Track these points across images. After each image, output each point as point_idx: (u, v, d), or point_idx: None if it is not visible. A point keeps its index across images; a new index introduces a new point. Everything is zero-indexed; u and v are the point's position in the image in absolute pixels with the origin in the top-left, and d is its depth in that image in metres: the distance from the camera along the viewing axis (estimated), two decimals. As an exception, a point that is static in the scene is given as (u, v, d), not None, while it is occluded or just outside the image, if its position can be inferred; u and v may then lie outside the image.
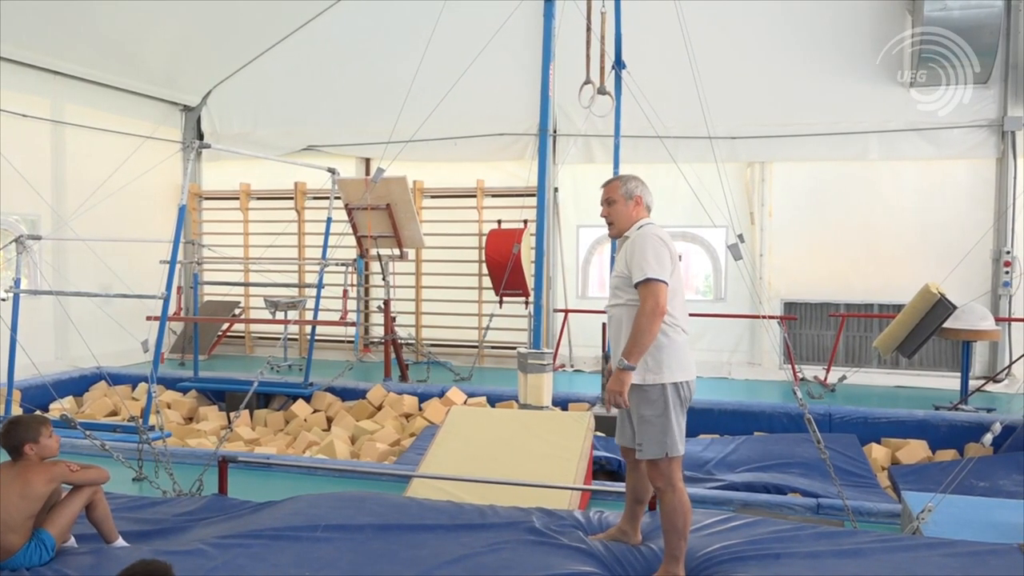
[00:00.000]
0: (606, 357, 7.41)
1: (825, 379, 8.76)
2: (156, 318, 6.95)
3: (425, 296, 10.93)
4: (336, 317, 9.33)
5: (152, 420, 6.71)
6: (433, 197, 10.89)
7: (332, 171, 8.85)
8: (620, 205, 3.64)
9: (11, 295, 7.13)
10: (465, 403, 7.66)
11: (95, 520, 3.71)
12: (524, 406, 5.68)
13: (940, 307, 7.44)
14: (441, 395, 7.90)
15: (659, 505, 3.48)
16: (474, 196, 10.60)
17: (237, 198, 11.47)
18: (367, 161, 11.10)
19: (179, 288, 10.74)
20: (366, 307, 11.04)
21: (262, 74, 11.39)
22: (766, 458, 6.20)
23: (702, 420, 7.24)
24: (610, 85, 7.58)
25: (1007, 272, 9.02)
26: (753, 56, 9.64)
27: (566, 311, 10.08)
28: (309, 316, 9.46)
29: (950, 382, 8.58)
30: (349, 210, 8.84)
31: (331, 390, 8.30)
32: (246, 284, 10.86)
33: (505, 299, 9.51)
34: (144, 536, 3.94)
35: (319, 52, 11.06)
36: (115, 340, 8.58)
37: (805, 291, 9.75)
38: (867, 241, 9.56)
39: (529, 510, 4.06)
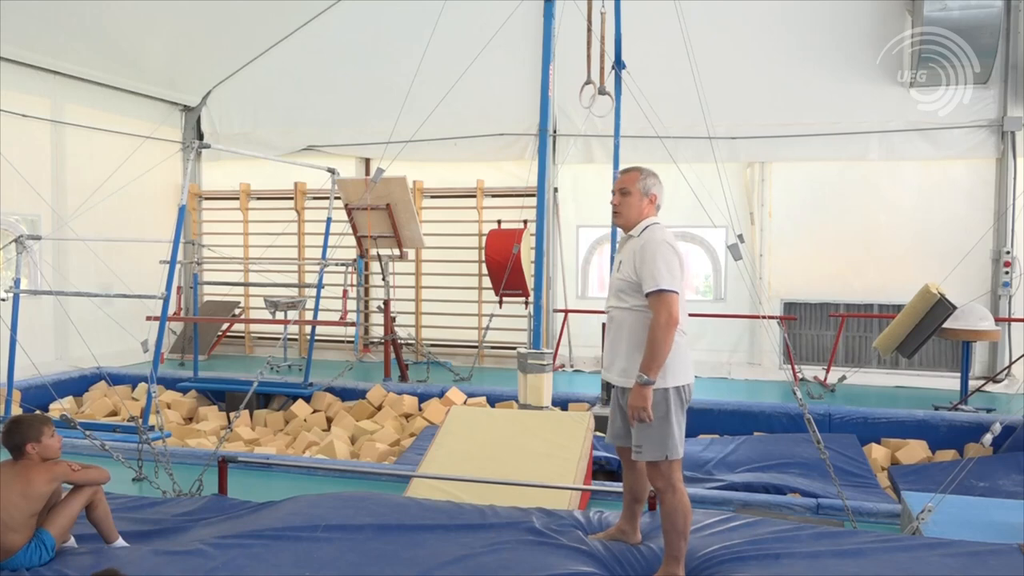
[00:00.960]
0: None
1: (825, 379, 8.76)
2: (156, 318, 6.95)
3: (425, 296, 10.92)
4: (336, 317, 9.32)
5: (152, 420, 6.71)
6: (433, 197, 10.89)
7: (332, 171, 8.84)
8: (634, 199, 3.55)
9: (11, 295, 7.12)
10: (465, 403, 7.66)
11: (95, 520, 3.71)
12: (524, 406, 5.68)
13: (940, 307, 7.44)
14: (441, 395, 7.90)
15: (659, 506, 3.48)
16: (474, 196, 10.60)
17: (237, 198, 11.46)
18: (367, 161, 11.10)
19: (179, 288, 10.73)
20: (366, 307, 11.04)
21: (262, 74, 11.38)
22: (766, 458, 6.21)
23: (702, 420, 7.23)
24: (610, 85, 7.57)
25: (1007, 272, 9.02)
26: (753, 56, 9.64)
27: (566, 311, 10.08)
28: (309, 316, 9.46)
29: (950, 382, 8.59)
30: (349, 210, 8.84)
31: (331, 390, 8.31)
32: (246, 284, 10.85)
33: (505, 299, 9.50)
34: (144, 536, 3.93)
35: (319, 52, 11.06)
36: (115, 340, 8.60)
37: (805, 291, 9.75)
38: (867, 241, 9.56)
39: (529, 510, 4.06)
